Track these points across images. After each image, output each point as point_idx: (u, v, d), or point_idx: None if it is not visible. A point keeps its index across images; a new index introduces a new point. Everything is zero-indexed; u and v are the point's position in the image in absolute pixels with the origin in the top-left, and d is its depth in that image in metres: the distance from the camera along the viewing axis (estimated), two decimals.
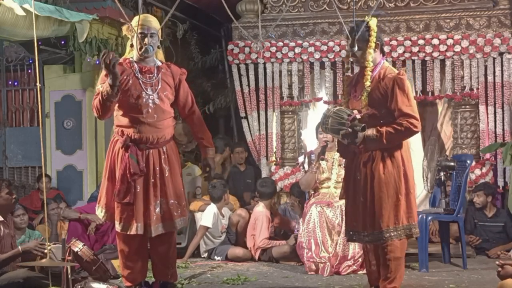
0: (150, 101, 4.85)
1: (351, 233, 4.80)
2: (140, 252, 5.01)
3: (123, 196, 4.79)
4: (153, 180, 4.87)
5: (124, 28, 4.98)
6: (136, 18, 4.94)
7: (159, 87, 4.90)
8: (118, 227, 4.88)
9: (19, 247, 5.28)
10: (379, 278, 4.72)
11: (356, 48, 4.64)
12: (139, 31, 4.83)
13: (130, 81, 4.83)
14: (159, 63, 5.00)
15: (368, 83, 4.64)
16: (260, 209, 7.01)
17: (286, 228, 7.18)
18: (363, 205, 4.63)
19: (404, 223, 4.58)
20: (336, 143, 5.19)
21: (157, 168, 4.89)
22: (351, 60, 4.79)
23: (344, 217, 5.08)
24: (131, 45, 4.95)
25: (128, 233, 4.84)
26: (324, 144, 6.36)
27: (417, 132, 4.64)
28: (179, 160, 5.16)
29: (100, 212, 5.02)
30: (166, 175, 4.92)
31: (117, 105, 4.83)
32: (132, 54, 4.98)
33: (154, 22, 4.93)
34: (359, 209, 4.66)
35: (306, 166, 6.59)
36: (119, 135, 4.89)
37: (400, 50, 7.75)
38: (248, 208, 7.46)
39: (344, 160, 6.37)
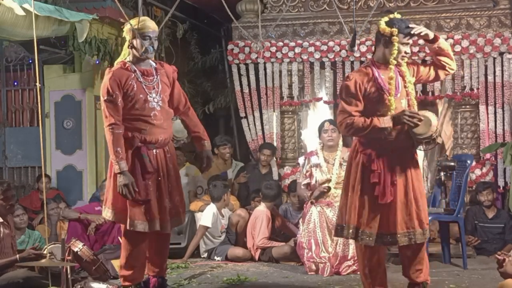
0: (155, 103, 4.88)
1: (383, 235, 4.59)
2: (145, 251, 5.02)
3: (145, 194, 4.81)
4: (161, 179, 4.92)
5: (126, 29, 4.92)
6: (135, 19, 4.92)
7: (160, 88, 4.93)
8: (140, 227, 4.80)
9: (17, 256, 5.26)
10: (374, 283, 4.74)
11: (356, 48, 4.60)
12: (145, 33, 4.82)
13: (135, 87, 4.82)
14: (154, 64, 5.00)
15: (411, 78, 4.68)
16: (261, 208, 7.01)
17: (286, 232, 7.16)
18: (405, 205, 4.58)
19: (427, 222, 4.70)
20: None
21: (164, 167, 4.95)
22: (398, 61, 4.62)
23: (354, 216, 4.69)
24: (132, 47, 4.89)
25: (153, 230, 4.83)
26: (325, 190, 6.23)
27: None
28: (176, 158, 5.22)
29: (107, 213, 4.93)
30: (172, 173, 5.00)
31: (125, 110, 4.80)
32: (125, 56, 4.94)
33: (155, 26, 4.98)
34: (400, 210, 4.57)
35: (304, 169, 6.51)
36: (127, 137, 4.82)
37: None
38: (248, 208, 7.45)
39: (345, 160, 6.38)
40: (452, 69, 4.75)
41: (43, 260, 4.94)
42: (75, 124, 8.61)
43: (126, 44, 4.97)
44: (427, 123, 4.53)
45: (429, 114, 4.61)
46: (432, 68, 4.73)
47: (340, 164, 6.32)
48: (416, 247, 4.68)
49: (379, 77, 4.59)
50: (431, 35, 4.61)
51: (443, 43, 4.66)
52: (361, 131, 4.56)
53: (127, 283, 4.99)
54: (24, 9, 5.90)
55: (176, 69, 5.16)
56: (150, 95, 4.85)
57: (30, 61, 8.88)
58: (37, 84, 4.93)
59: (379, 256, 4.72)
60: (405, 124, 4.50)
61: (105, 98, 4.77)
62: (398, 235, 4.55)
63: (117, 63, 4.95)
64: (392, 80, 4.55)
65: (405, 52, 4.57)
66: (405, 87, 4.62)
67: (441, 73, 4.73)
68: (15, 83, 9.17)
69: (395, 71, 4.58)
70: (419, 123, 4.49)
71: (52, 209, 7.44)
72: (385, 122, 4.51)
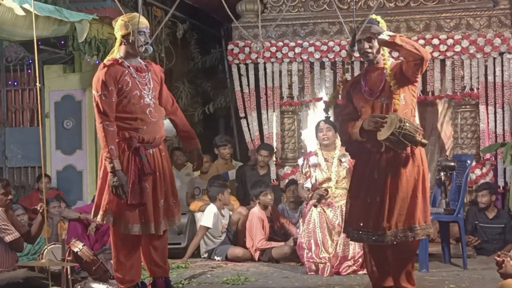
0: (149, 100, 4.85)
1: (356, 232, 4.68)
2: (137, 251, 5.00)
3: (140, 198, 4.77)
4: (157, 179, 4.89)
5: (120, 24, 4.89)
6: (128, 15, 4.90)
7: (152, 85, 4.91)
8: (136, 230, 4.79)
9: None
10: (381, 279, 4.75)
11: (356, 48, 4.63)
12: (141, 29, 4.83)
13: (130, 83, 4.79)
14: (143, 62, 4.99)
15: (392, 79, 4.56)
16: (254, 210, 7.01)
17: (284, 230, 7.16)
18: (380, 204, 4.55)
19: (421, 223, 4.57)
20: (342, 143, 5.08)
21: (160, 167, 4.92)
22: (364, 59, 4.72)
23: (345, 215, 4.91)
24: (126, 43, 4.87)
25: (147, 233, 4.80)
26: (323, 194, 6.25)
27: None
28: (169, 157, 5.21)
29: (105, 218, 4.82)
30: (167, 173, 4.97)
31: (120, 107, 4.76)
32: (115, 53, 4.91)
33: (147, 21, 4.99)
34: (373, 208, 4.57)
35: (303, 170, 6.52)
36: (125, 138, 4.80)
37: None
38: (249, 207, 7.45)
39: (344, 160, 6.39)
40: (419, 59, 4.39)
41: (43, 260, 4.95)
42: (75, 124, 8.62)
43: (118, 41, 4.94)
44: (388, 125, 4.43)
45: (393, 116, 4.45)
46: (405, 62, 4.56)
47: (339, 163, 6.32)
48: (403, 246, 4.60)
49: (364, 79, 4.70)
50: (384, 37, 4.46)
51: (400, 40, 4.41)
52: (343, 134, 4.77)
53: (123, 286, 4.96)
54: (24, 9, 5.90)
55: (162, 69, 5.17)
56: (144, 91, 4.83)
57: (30, 61, 8.89)
58: (37, 84, 4.93)
59: (384, 254, 4.71)
60: (371, 128, 4.52)
61: (100, 92, 4.69)
62: (386, 234, 4.52)
63: (107, 60, 4.88)
64: (371, 81, 4.63)
65: (365, 49, 4.58)
66: (389, 87, 4.57)
67: (413, 68, 4.45)
68: (15, 83, 9.18)
69: (381, 73, 4.62)
70: (381, 127, 4.45)
71: (54, 207, 7.45)
72: (355, 127, 4.60)
